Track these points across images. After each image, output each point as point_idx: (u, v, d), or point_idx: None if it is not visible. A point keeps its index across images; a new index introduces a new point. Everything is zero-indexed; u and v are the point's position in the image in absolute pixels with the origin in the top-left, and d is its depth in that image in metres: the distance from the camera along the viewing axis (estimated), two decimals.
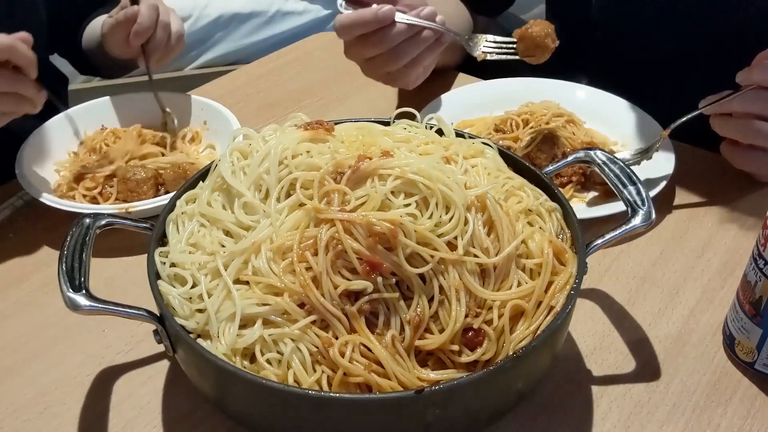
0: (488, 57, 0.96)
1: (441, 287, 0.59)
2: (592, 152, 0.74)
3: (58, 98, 1.25)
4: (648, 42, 1.13)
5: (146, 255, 0.64)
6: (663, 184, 0.90)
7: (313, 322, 0.58)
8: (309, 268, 0.58)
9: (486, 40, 0.97)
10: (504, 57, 0.95)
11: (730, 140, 0.89)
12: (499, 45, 0.96)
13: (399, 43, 0.92)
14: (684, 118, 0.91)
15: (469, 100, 1.10)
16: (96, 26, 1.22)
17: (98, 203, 0.95)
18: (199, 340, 0.59)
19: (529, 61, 0.94)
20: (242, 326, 0.58)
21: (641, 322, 0.77)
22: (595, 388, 0.70)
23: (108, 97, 1.09)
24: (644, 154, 0.95)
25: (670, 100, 0.94)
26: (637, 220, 0.67)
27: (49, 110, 1.01)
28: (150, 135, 1.04)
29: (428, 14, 0.93)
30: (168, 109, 1.07)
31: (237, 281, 0.60)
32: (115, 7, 1.13)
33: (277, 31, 2.23)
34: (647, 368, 0.72)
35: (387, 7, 0.90)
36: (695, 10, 1.06)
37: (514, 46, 0.94)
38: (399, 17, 0.91)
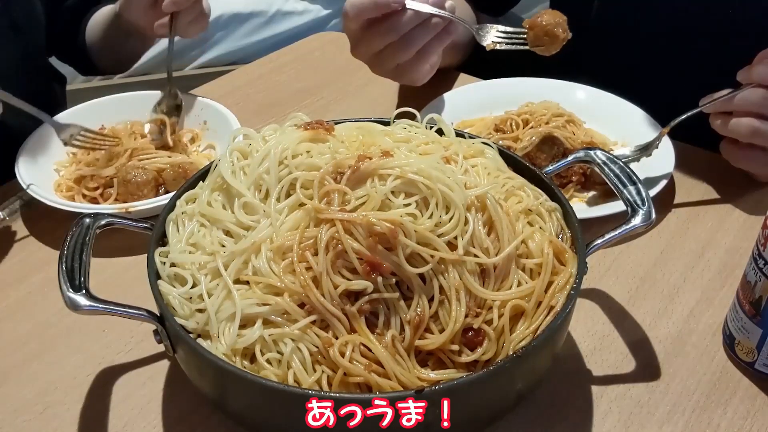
0: (498, 47, 0.96)
1: (441, 287, 0.59)
2: (592, 152, 0.74)
3: (54, 98, 1.25)
4: (648, 41, 1.13)
5: (146, 255, 0.64)
6: (663, 183, 0.90)
7: (313, 322, 0.58)
8: (309, 268, 0.58)
9: (497, 30, 0.97)
10: (514, 47, 0.95)
11: (730, 139, 0.89)
12: (509, 35, 0.95)
13: (409, 30, 0.92)
14: (684, 116, 0.91)
15: (469, 100, 1.10)
16: (101, 15, 1.23)
17: (98, 203, 0.95)
18: (199, 340, 0.59)
19: (539, 51, 0.93)
20: (242, 326, 0.58)
21: (641, 322, 0.77)
22: (595, 388, 0.70)
23: (108, 96, 1.09)
24: (644, 151, 0.95)
25: (671, 99, 0.94)
26: (637, 220, 0.67)
27: (50, 108, 1.01)
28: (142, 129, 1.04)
29: (437, 1, 0.93)
30: (179, 94, 1.07)
31: (237, 281, 0.60)
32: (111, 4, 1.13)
33: (277, 31, 2.23)
34: (647, 368, 0.72)
35: None
36: (696, 9, 1.06)
37: (524, 36, 0.94)
38: (408, 4, 0.91)
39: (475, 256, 0.60)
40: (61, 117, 1.04)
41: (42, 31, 1.17)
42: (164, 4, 1.01)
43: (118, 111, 1.07)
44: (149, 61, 2.11)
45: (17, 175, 0.93)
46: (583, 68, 1.21)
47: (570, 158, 0.76)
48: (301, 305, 0.58)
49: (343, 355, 0.56)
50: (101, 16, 1.24)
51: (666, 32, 1.11)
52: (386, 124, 0.75)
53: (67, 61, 1.33)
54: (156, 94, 1.08)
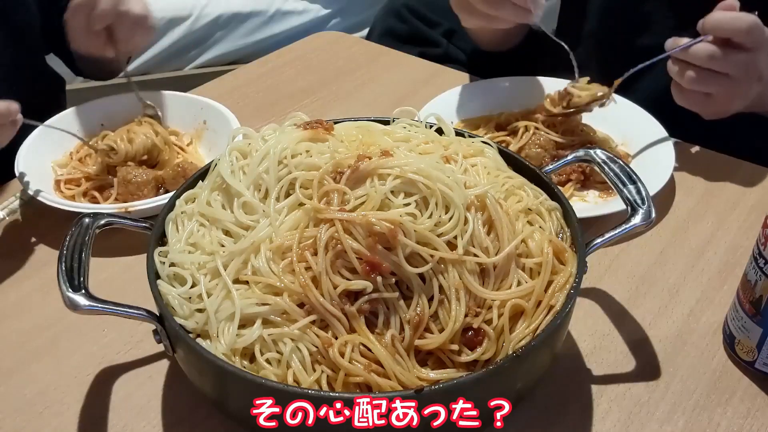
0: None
1: (441, 287, 0.59)
2: (592, 151, 0.74)
3: (55, 101, 1.25)
4: (650, 41, 1.13)
5: (146, 255, 0.64)
6: (663, 183, 0.90)
7: (313, 322, 0.58)
8: (308, 268, 0.58)
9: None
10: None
11: (677, 82, 0.92)
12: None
13: None
14: (643, 65, 0.94)
15: (469, 100, 1.10)
16: None
17: (98, 203, 0.95)
18: (199, 340, 0.59)
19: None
20: (242, 326, 0.58)
21: (641, 321, 0.77)
22: (594, 388, 0.70)
23: (108, 96, 1.09)
24: (599, 100, 0.98)
25: (672, 98, 0.94)
26: (636, 219, 0.67)
27: (48, 110, 1.01)
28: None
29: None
30: (149, 102, 1.06)
31: (236, 281, 0.60)
32: None
33: (277, 31, 2.23)
34: (647, 367, 0.72)
35: None
36: (698, 9, 1.06)
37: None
38: None
39: (475, 255, 0.60)
40: (61, 117, 1.03)
41: (37, 32, 1.16)
42: (90, 24, 0.98)
43: (118, 111, 1.07)
44: (149, 61, 2.11)
45: (17, 175, 0.93)
46: (583, 67, 1.21)
47: (570, 157, 0.76)
48: (301, 305, 0.58)
49: (342, 355, 0.56)
50: None
51: (669, 31, 1.10)
52: (386, 123, 0.75)
53: (61, 58, 1.32)
54: (155, 95, 1.08)
